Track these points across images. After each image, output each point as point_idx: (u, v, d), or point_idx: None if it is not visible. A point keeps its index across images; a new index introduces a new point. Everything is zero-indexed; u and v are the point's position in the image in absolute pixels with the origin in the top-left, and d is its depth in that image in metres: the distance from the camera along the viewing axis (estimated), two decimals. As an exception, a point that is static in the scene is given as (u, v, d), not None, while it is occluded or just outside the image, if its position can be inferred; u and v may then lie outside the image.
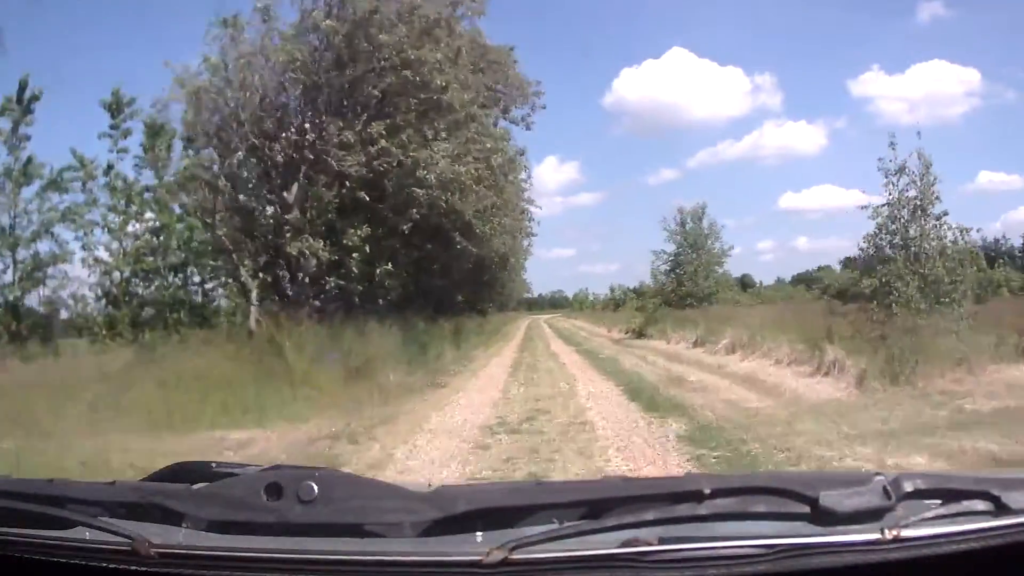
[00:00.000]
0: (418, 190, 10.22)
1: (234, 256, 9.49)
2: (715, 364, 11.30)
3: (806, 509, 0.73)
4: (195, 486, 0.86)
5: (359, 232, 9.99)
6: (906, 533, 0.71)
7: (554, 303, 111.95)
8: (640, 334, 21.59)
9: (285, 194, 9.90)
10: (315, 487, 0.75)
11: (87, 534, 0.76)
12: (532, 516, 0.75)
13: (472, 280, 23.64)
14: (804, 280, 44.84)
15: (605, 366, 12.69)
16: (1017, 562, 0.74)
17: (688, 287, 24.53)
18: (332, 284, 10.03)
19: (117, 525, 0.75)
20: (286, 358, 7.74)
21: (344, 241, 10.08)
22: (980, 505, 0.74)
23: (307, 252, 9.50)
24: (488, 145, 12.11)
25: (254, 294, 9.55)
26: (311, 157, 9.87)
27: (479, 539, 0.74)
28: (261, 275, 9.72)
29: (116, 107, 11.05)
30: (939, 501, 0.75)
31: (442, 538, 0.75)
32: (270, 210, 10.28)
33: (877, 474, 0.76)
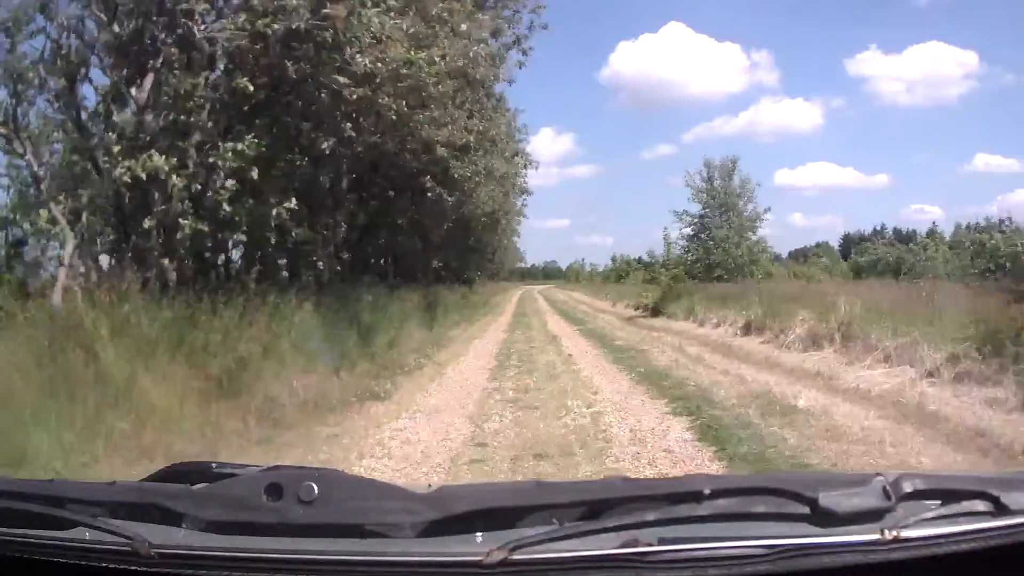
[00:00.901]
0: (341, 80, 10.10)
1: (42, 187, 9.39)
2: (810, 370, 11.63)
3: (806, 510, 1.22)
4: (195, 486, 1.39)
5: (241, 147, 9.77)
6: (906, 533, 1.19)
7: (547, 274, 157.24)
8: (656, 311, 26.02)
9: (135, 90, 9.86)
10: (315, 487, 1.26)
11: (87, 534, 1.27)
12: (532, 516, 1.26)
13: (454, 243, 27.88)
14: (802, 255, 60.34)
15: (630, 362, 13.44)
16: (1017, 562, 1.24)
17: (717, 256, 29.25)
18: (189, 229, 9.75)
19: (117, 525, 1.26)
20: (98, 357, 7.28)
21: (212, 161, 9.83)
22: (980, 505, 1.23)
23: (143, 177, 9.10)
24: (463, 27, 12.16)
25: (68, 248, 9.17)
26: (175, 30, 9.70)
27: (479, 539, 1.24)
28: (86, 217, 9.61)
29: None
30: (939, 501, 1.25)
31: (442, 538, 1.25)
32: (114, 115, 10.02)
33: (877, 475, 1.27)
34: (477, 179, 17.89)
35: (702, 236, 30.72)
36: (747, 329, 17.25)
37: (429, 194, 16.23)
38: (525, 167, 26.01)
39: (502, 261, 63.13)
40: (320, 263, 15.18)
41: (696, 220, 31.36)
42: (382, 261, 24.93)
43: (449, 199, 17.37)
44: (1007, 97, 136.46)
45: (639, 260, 57.45)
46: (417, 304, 20.02)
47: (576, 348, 16.78)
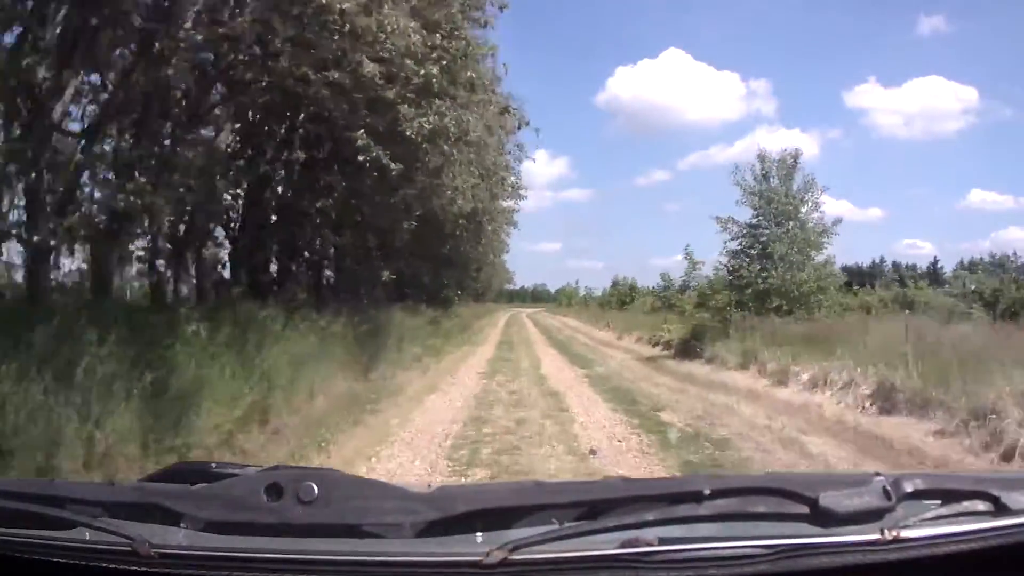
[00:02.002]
0: None
1: None
2: None
3: (806, 510, 1.35)
4: (195, 486, 1.52)
5: None
6: (906, 534, 1.34)
7: (536, 296, 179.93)
8: (686, 351, 24.26)
9: None
10: (315, 487, 1.39)
11: (87, 535, 1.39)
12: (532, 516, 1.39)
13: (423, 250, 25.11)
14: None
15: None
16: (1017, 562, 1.36)
17: (775, 280, 25.28)
18: None
19: (117, 525, 1.38)
20: None
21: None
22: (980, 505, 1.38)
23: None
24: None
25: None
26: None
27: (479, 539, 1.37)
28: None
29: None
30: (939, 501, 1.39)
31: (442, 538, 1.37)
32: None
33: (877, 474, 1.39)
34: (444, 146, 14.33)
35: (752, 252, 27.18)
36: (886, 401, 12.74)
37: (361, 156, 12.90)
38: (519, 127, 21.91)
39: (489, 280, 61.90)
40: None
41: (746, 230, 27.46)
42: (302, 268, 21.69)
43: (392, 164, 13.20)
44: (1005, 133, 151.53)
45: (631, 284, 62.12)
46: (342, 335, 16.17)
47: (599, 429, 12.11)
